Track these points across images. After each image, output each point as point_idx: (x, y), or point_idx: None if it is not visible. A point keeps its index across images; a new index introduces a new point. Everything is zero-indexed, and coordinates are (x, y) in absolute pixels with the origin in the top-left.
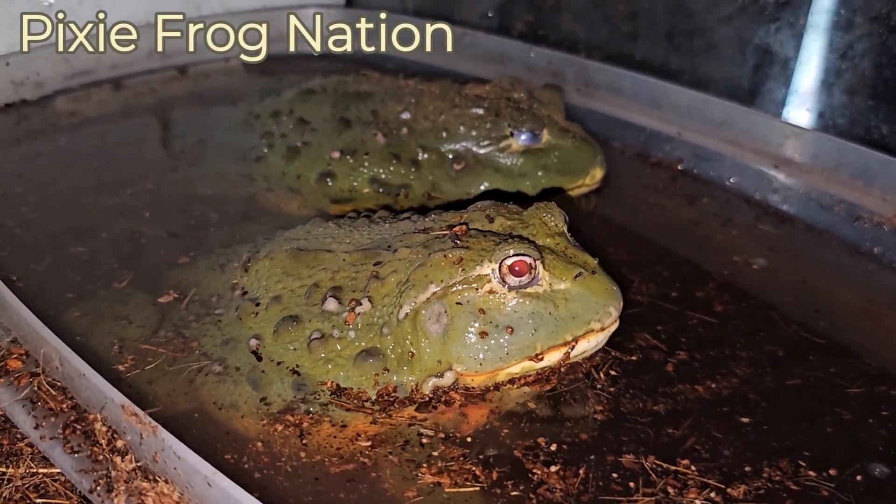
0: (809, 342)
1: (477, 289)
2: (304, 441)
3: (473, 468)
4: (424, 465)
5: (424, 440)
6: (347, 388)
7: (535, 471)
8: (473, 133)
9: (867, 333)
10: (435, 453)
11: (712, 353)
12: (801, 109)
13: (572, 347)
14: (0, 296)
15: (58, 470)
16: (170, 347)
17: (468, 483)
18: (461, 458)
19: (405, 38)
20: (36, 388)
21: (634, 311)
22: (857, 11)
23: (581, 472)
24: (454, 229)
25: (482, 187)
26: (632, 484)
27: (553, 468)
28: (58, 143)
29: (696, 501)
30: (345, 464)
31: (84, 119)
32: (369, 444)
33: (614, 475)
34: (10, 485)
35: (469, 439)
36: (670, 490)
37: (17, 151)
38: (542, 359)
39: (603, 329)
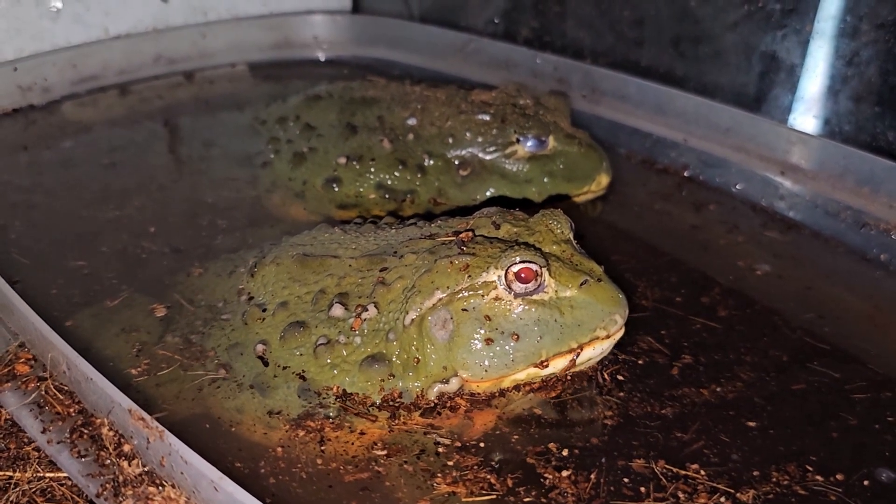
0: (814, 348)
1: (483, 295)
2: (322, 448)
3: (488, 476)
4: (439, 474)
5: (440, 449)
6: (353, 393)
7: (546, 475)
8: (479, 139)
9: (872, 340)
10: (450, 462)
11: (717, 357)
12: (807, 116)
13: (577, 355)
14: (8, 300)
15: (65, 474)
16: (186, 355)
17: (484, 492)
18: (476, 467)
19: (410, 43)
20: (43, 393)
21: (640, 315)
22: (863, 18)
23: (592, 476)
24: (460, 235)
25: (488, 193)
26: (643, 489)
27: (565, 473)
28: (65, 149)
29: None
30: (359, 472)
31: (91, 124)
32: (385, 452)
33: (625, 480)
34: (17, 489)
35: (482, 447)
36: (681, 495)
37: (24, 156)
38: (547, 366)
39: (608, 337)
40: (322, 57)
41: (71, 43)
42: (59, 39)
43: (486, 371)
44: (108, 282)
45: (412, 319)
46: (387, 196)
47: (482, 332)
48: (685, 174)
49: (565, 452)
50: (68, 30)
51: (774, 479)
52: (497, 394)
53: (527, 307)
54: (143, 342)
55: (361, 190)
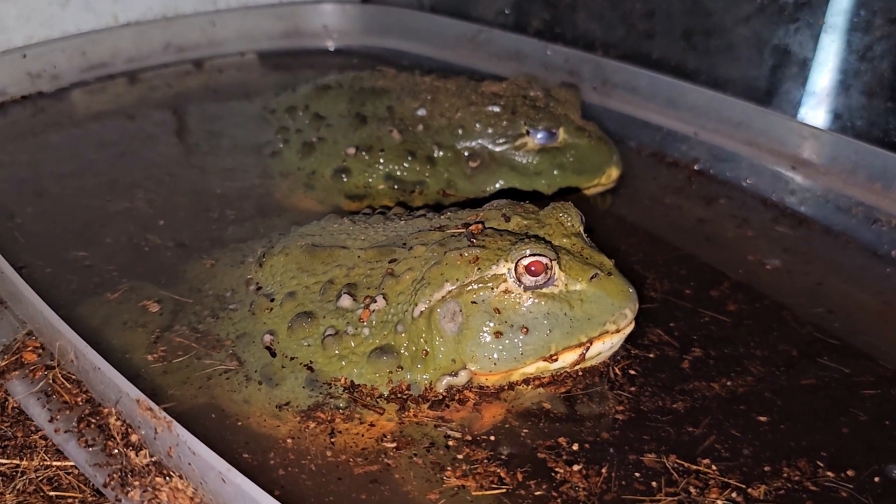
0: (823, 343)
1: (492, 288)
2: (332, 440)
3: (498, 470)
4: (449, 468)
5: (451, 442)
6: (361, 384)
7: (557, 469)
8: (489, 131)
9: (882, 336)
10: (460, 456)
11: (726, 350)
12: (818, 110)
13: (587, 349)
14: (16, 288)
15: (71, 463)
16: (197, 345)
17: (494, 486)
18: (485, 461)
19: (421, 33)
20: (51, 382)
21: (648, 306)
22: (876, 13)
23: (604, 471)
24: (470, 228)
25: (497, 185)
26: (654, 483)
27: (576, 467)
28: (73, 136)
29: (718, 501)
30: (369, 465)
31: (99, 112)
32: (394, 445)
33: (636, 474)
34: (24, 477)
35: (492, 440)
36: (692, 490)
37: (32, 143)
38: (556, 359)
39: (618, 331)
40: (332, 46)
41: (80, 30)
42: (68, 26)
43: (495, 364)
44: (108, 273)
45: (421, 311)
46: (396, 187)
47: (491, 324)
48: (695, 168)
49: (575, 447)
50: (78, 17)
51: (785, 475)
52: (506, 387)
53: (536, 300)
54: (153, 332)
55: (370, 181)
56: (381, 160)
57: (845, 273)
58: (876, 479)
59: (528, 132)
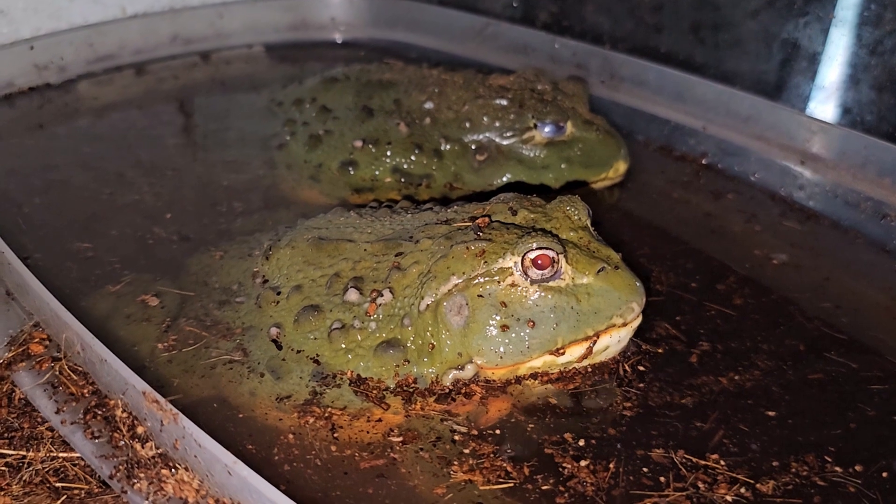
0: (831, 338)
1: (499, 281)
2: (335, 435)
3: (504, 465)
4: (456, 462)
5: (457, 437)
6: (367, 378)
7: (564, 465)
8: (497, 124)
9: (890, 331)
10: (466, 450)
11: (733, 345)
12: (827, 105)
13: (594, 343)
14: (23, 280)
15: (78, 455)
16: (203, 337)
17: (500, 480)
18: (492, 455)
19: (428, 26)
20: (57, 373)
21: (654, 299)
22: (887, 7)
23: (611, 466)
24: (477, 221)
25: (505, 179)
26: (662, 478)
27: (583, 462)
28: (80, 128)
29: (727, 497)
30: (375, 459)
31: (106, 104)
32: (401, 439)
33: (645, 469)
34: (31, 468)
35: (498, 434)
36: (700, 485)
37: (39, 135)
38: (563, 353)
39: (625, 324)
40: (339, 39)
41: (88, 22)
42: (76, 18)
43: (501, 358)
44: (111, 266)
45: (427, 305)
46: (403, 180)
47: (498, 318)
48: (703, 162)
49: (582, 442)
50: (85, 9)
51: (794, 470)
52: (513, 381)
53: (543, 294)
54: (162, 323)
55: (377, 174)
56: (388, 153)
57: (853, 268)
58: (884, 474)
59: (535, 126)
